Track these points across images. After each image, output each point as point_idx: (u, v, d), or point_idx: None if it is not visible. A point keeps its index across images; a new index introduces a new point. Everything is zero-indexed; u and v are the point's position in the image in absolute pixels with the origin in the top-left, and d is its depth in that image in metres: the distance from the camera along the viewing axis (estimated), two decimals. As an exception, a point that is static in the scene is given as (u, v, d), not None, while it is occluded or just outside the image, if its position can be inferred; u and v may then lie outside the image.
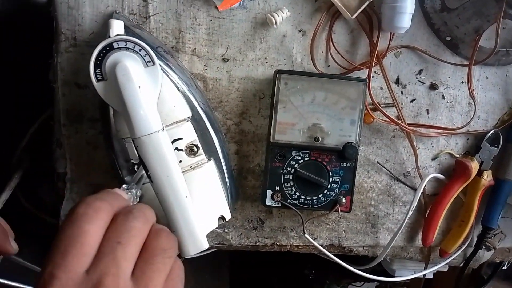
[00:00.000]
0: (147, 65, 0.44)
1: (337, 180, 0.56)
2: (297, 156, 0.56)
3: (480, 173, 0.61)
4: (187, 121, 0.49)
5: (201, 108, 0.51)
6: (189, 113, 0.49)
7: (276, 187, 0.56)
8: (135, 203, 0.42)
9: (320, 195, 0.57)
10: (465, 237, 0.63)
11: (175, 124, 0.49)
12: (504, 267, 0.78)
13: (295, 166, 0.56)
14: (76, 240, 0.31)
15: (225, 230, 0.61)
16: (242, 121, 0.58)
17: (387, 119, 0.58)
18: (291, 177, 0.56)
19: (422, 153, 0.62)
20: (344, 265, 0.62)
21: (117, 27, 0.45)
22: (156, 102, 0.44)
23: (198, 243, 0.46)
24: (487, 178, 0.61)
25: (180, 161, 0.49)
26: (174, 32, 0.55)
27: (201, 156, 0.50)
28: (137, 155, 0.43)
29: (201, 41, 0.55)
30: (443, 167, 0.63)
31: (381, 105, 0.58)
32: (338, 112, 0.55)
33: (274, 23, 0.54)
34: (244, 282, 1.09)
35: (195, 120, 0.50)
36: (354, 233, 0.63)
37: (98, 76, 0.43)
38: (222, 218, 0.52)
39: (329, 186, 0.56)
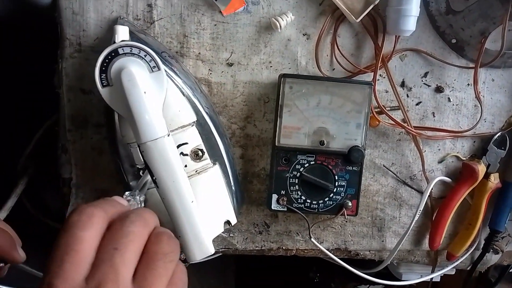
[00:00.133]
0: (152, 71, 0.43)
1: (343, 183, 0.56)
2: (302, 160, 0.55)
3: (487, 175, 0.60)
4: (192, 126, 0.49)
5: (206, 113, 0.51)
6: (194, 118, 0.49)
7: (282, 191, 0.56)
8: None
9: (326, 199, 0.56)
10: (472, 240, 0.63)
11: (180, 129, 0.49)
12: (512, 270, 0.77)
13: (301, 170, 0.56)
14: (71, 248, 0.31)
15: (231, 235, 0.61)
16: (247, 125, 0.58)
17: (393, 122, 0.58)
18: (296, 181, 0.56)
19: (429, 156, 0.61)
20: (350, 268, 0.61)
21: (122, 33, 0.45)
22: (162, 107, 0.44)
23: (204, 248, 0.45)
24: (494, 180, 0.61)
25: (186, 166, 0.49)
26: (178, 37, 0.55)
27: (206, 160, 0.50)
28: (142, 160, 0.43)
29: (205, 46, 0.55)
30: (450, 170, 0.62)
31: (386, 108, 0.58)
32: (344, 116, 0.55)
33: (279, 27, 0.54)
34: (249, 286, 1.09)
35: (200, 124, 0.50)
36: (360, 236, 0.63)
37: (103, 82, 0.43)
38: (227, 222, 0.52)
39: (335, 190, 0.56)
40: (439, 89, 0.60)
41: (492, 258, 0.66)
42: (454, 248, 0.64)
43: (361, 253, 0.64)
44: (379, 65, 0.56)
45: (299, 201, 0.56)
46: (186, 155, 0.49)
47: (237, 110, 0.58)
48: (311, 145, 0.55)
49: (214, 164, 0.51)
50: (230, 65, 0.56)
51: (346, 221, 0.62)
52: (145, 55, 0.43)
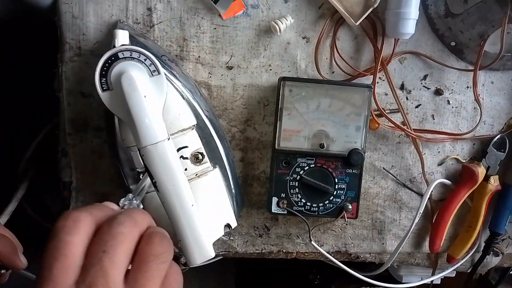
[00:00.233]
0: (152, 75, 0.44)
1: (343, 186, 0.56)
2: (302, 163, 0.56)
3: (486, 178, 0.60)
4: (192, 129, 0.49)
5: (206, 116, 0.51)
6: (194, 121, 0.49)
7: (282, 194, 0.56)
8: None
9: (326, 202, 0.56)
10: (472, 243, 0.63)
11: (180, 132, 0.49)
12: (512, 272, 0.77)
13: (301, 173, 0.56)
14: (58, 253, 0.31)
15: (231, 238, 0.61)
16: (247, 128, 0.58)
17: (393, 125, 0.58)
18: (296, 184, 0.56)
19: (428, 159, 0.61)
20: (351, 271, 0.61)
21: (122, 37, 0.45)
22: (162, 111, 0.44)
23: (204, 251, 0.45)
24: (494, 183, 0.61)
25: (186, 169, 0.49)
26: (178, 41, 0.55)
27: (206, 164, 0.50)
28: (142, 164, 0.43)
29: (205, 49, 0.55)
30: (450, 172, 0.62)
31: (386, 111, 0.58)
32: (343, 119, 0.55)
33: (278, 30, 0.54)
34: (250, 289, 1.08)
35: (200, 128, 0.50)
36: (360, 239, 0.63)
37: (103, 86, 0.43)
38: (228, 226, 0.52)
39: (335, 193, 0.56)
40: (438, 92, 0.60)
41: (493, 260, 0.66)
42: (454, 250, 0.64)
43: (362, 256, 0.64)
44: (378, 68, 0.56)
45: (299, 204, 0.56)
46: (186, 158, 0.49)
47: (237, 113, 0.58)
48: (311, 148, 0.55)
49: (214, 167, 0.51)
50: (230, 68, 0.56)
51: (346, 224, 0.62)
52: (145, 59, 0.43)
